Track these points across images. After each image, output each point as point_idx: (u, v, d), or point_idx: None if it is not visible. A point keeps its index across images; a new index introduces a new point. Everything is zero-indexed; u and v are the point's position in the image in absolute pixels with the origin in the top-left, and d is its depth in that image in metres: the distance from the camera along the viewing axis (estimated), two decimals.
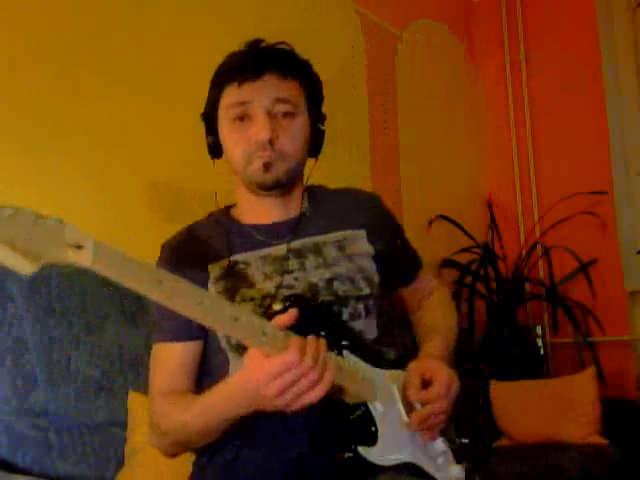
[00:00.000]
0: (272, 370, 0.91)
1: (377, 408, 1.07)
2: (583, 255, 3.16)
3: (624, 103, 3.30)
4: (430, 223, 3.16)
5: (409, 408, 1.12)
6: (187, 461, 1.19)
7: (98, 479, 1.54)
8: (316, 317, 1.08)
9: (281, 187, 1.18)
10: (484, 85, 3.73)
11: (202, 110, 1.23)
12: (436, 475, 1.11)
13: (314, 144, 1.22)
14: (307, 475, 1.08)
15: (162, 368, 1.17)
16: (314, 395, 0.92)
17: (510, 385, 2.66)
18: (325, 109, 1.25)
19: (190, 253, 1.19)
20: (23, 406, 1.49)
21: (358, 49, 2.89)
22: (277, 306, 1.06)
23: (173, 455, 1.15)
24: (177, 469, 1.25)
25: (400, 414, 1.10)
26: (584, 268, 3.17)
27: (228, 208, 1.29)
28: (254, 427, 1.02)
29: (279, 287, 1.14)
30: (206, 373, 1.18)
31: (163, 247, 1.24)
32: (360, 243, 1.22)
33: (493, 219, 3.51)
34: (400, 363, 1.17)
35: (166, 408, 1.11)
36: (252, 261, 1.17)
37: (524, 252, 3.37)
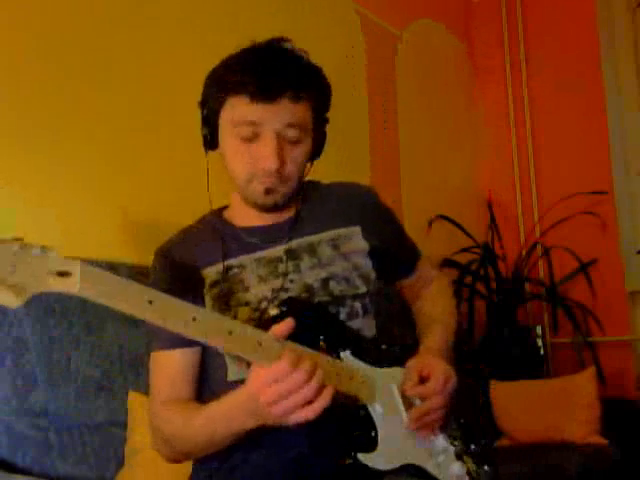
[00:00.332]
0: (266, 378, 0.90)
1: (377, 410, 1.07)
2: (583, 255, 3.16)
3: (624, 103, 3.30)
4: (430, 223, 3.16)
5: (408, 406, 1.12)
6: (187, 462, 1.19)
7: (98, 479, 1.54)
8: (313, 320, 1.08)
9: (279, 208, 1.18)
10: (484, 85, 3.73)
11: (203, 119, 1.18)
12: (437, 474, 1.10)
13: (315, 149, 1.19)
14: (307, 475, 1.08)
15: (162, 376, 1.15)
16: (311, 411, 0.91)
17: (510, 385, 2.66)
18: None
19: (184, 258, 1.18)
20: (23, 406, 1.49)
21: (358, 49, 2.89)
22: (273, 311, 1.05)
23: (175, 461, 1.15)
24: (177, 469, 1.24)
25: (400, 413, 1.10)
26: (584, 268, 3.17)
27: (221, 210, 1.28)
28: (257, 428, 1.01)
29: (274, 290, 1.13)
30: (205, 378, 1.17)
31: (156, 253, 1.22)
32: (355, 240, 1.22)
33: (493, 219, 3.51)
34: (399, 361, 1.17)
35: (168, 416, 1.10)
36: (247, 264, 1.16)
37: (524, 252, 3.37)
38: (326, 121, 1.21)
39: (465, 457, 1.16)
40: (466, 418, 1.22)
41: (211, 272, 1.16)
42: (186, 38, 2.14)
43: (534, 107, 3.55)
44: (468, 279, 3.15)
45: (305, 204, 1.24)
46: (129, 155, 1.95)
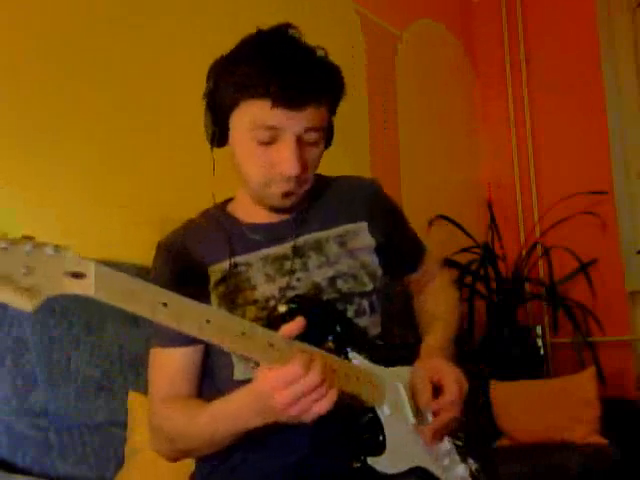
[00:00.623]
0: (280, 380, 0.89)
1: (384, 411, 1.06)
2: (583, 255, 3.16)
3: (624, 103, 3.30)
4: (430, 223, 3.16)
5: (415, 407, 1.11)
6: (187, 461, 1.19)
7: (98, 479, 1.54)
8: (322, 317, 1.07)
9: (294, 209, 1.16)
10: (484, 85, 3.73)
11: (201, 120, 1.14)
12: (443, 477, 1.10)
13: (326, 141, 1.15)
14: (308, 476, 1.08)
15: (161, 374, 1.13)
16: (320, 408, 0.91)
17: (510, 385, 2.66)
18: None
19: (189, 255, 1.15)
20: (23, 406, 1.49)
21: (358, 49, 2.89)
22: (282, 308, 1.04)
23: (174, 460, 1.14)
24: (177, 469, 1.24)
25: (406, 414, 1.10)
26: (584, 268, 3.17)
27: (225, 204, 1.25)
28: (260, 428, 1.01)
29: (282, 289, 1.12)
30: (209, 375, 1.16)
31: (159, 246, 1.19)
32: (362, 236, 1.21)
33: (493, 219, 3.51)
34: (405, 359, 1.16)
35: (168, 413, 1.09)
36: (253, 262, 1.14)
37: (524, 252, 3.37)
38: (335, 113, 1.17)
39: (468, 458, 1.16)
40: (467, 418, 1.22)
41: (217, 269, 1.13)
42: (186, 38, 2.14)
43: (534, 107, 3.55)
44: (468, 279, 3.14)
45: (311, 200, 1.21)
46: (129, 155, 1.95)
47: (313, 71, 1.05)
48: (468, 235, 3.25)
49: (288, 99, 1.01)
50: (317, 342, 0.99)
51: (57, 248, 0.72)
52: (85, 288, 0.74)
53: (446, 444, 1.13)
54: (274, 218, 1.18)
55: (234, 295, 1.11)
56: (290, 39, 1.08)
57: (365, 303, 1.17)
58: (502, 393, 2.62)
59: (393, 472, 1.03)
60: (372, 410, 1.06)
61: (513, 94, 3.63)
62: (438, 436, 1.10)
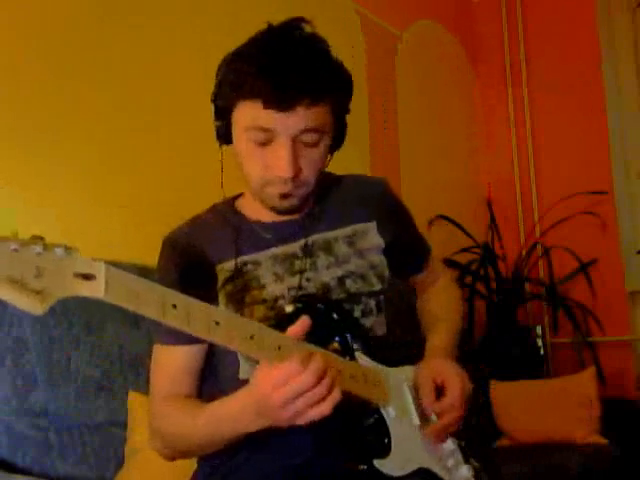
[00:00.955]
0: (276, 380, 0.88)
1: (390, 413, 1.05)
2: (583, 255, 3.16)
3: (624, 103, 3.30)
4: (430, 223, 3.15)
5: (420, 407, 1.11)
6: (187, 461, 1.19)
7: (98, 479, 1.54)
8: (328, 317, 1.07)
9: (295, 211, 1.14)
10: (484, 85, 3.73)
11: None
12: (447, 478, 1.09)
13: (336, 141, 1.13)
14: (311, 478, 1.07)
15: (163, 372, 1.13)
16: (320, 410, 0.89)
17: (510, 385, 2.66)
18: None
19: (195, 252, 1.13)
20: (23, 406, 1.49)
21: (358, 49, 2.89)
22: (289, 308, 1.04)
23: (173, 459, 1.13)
24: (177, 469, 1.24)
25: (411, 414, 1.10)
26: (584, 268, 3.17)
27: (233, 199, 1.23)
28: (260, 432, 1.00)
29: (291, 289, 1.11)
30: (213, 373, 1.15)
31: (165, 242, 1.18)
32: (370, 236, 1.20)
33: (493, 219, 3.51)
34: (409, 359, 1.16)
35: (168, 412, 1.09)
36: (262, 261, 1.13)
37: (524, 252, 3.37)
38: (347, 111, 1.15)
39: (470, 459, 1.16)
40: (471, 419, 1.21)
41: (225, 267, 1.12)
42: (186, 38, 2.14)
43: (534, 107, 3.55)
44: (468, 279, 3.14)
45: (319, 199, 1.20)
46: (129, 155, 1.95)
47: (307, 71, 1.01)
48: (468, 235, 3.25)
49: (279, 100, 0.99)
50: (323, 342, 0.98)
51: (67, 249, 0.71)
52: (95, 290, 0.73)
53: (450, 445, 1.13)
54: (283, 217, 1.16)
55: (242, 294, 1.10)
56: (294, 37, 1.05)
57: (372, 303, 1.17)
58: (502, 393, 2.62)
59: (398, 474, 1.02)
60: (377, 411, 1.05)
61: (513, 94, 3.63)
62: (440, 437, 1.10)
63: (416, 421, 1.09)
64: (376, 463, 1.01)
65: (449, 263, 3.15)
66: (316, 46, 1.06)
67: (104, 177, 1.89)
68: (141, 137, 1.98)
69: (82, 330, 1.60)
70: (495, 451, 2.37)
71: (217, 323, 0.84)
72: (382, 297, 1.19)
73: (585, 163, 3.32)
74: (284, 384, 0.88)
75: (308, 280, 1.13)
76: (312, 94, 1.01)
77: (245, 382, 1.01)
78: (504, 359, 2.94)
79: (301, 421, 0.90)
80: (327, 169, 1.20)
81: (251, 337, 0.86)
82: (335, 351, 1.02)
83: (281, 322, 0.95)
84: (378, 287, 1.18)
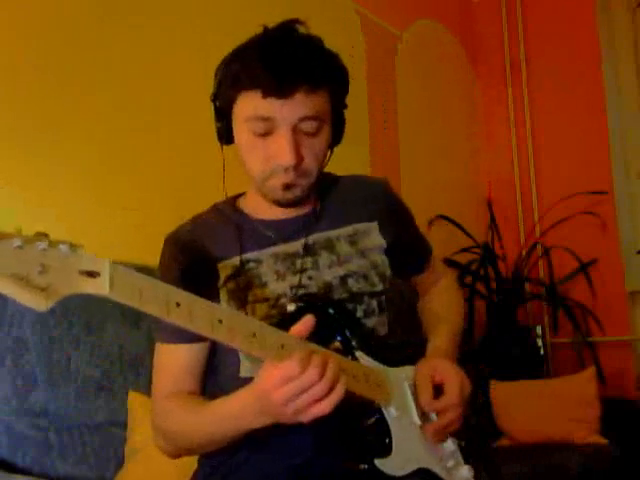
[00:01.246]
0: (278, 378, 0.88)
1: (391, 413, 1.05)
2: (583, 255, 3.16)
3: (624, 103, 3.30)
4: (430, 223, 3.16)
5: (420, 407, 1.11)
6: (187, 461, 1.19)
7: (98, 479, 1.54)
8: (331, 317, 1.07)
9: (298, 203, 1.14)
10: (484, 85, 3.73)
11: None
12: (448, 479, 1.09)
13: (335, 136, 1.14)
14: (311, 478, 1.07)
15: (165, 370, 1.13)
16: (322, 408, 0.89)
17: (510, 385, 2.66)
18: None
19: (197, 251, 1.14)
20: (23, 406, 1.49)
21: (358, 49, 2.89)
22: (291, 307, 1.04)
23: (176, 457, 1.13)
24: (177, 469, 1.24)
25: (412, 415, 1.10)
26: (584, 268, 3.17)
27: (234, 198, 1.23)
28: (261, 431, 1.01)
29: (292, 287, 1.11)
30: (214, 371, 1.15)
31: (167, 241, 1.18)
32: (372, 236, 1.20)
33: (493, 219, 3.51)
34: (410, 359, 1.16)
35: (170, 410, 1.09)
36: (264, 259, 1.13)
37: (524, 252, 3.37)
38: (344, 107, 1.16)
39: (470, 459, 1.16)
40: (471, 419, 1.21)
41: (227, 265, 1.12)
42: (186, 38, 2.14)
43: (534, 107, 3.55)
44: (468, 279, 3.14)
45: (321, 198, 1.21)
46: (129, 155, 1.95)
47: (303, 57, 1.03)
48: (468, 235, 3.25)
49: (277, 87, 1.01)
50: (325, 341, 0.98)
51: (72, 246, 0.71)
52: (100, 287, 0.73)
53: (450, 445, 1.13)
54: (285, 215, 1.16)
55: (244, 292, 1.10)
56: (287, 32, 1.08)
57: (374, 303, 1.17)
58: (502, 393, 2.62)
59: (399, 474, 1.02)
60: (379, 411, 1.05)
61: (513, 94, 3.63)
62: (439, 437, 1.10)
63: (417, 421, 1.09)
64: (377, 462, 1.01)
65: (449, 263, 3.15)
66: (311, 39, 1.09)
67: (104, 177, 1.89)
68: (141, 137, 1.98)
69: (82, 330, 1.60)
70: (495, 451, 2.37)
71: (220, 321, 0.84)
72: (384, 297, 1.19)
73: (585, 163, 3.32)
74: (284, 383, 0.88)
75: (310, 279, 1.13)
76: (310, 81, 1.03)
77: (246, 380, 1.02)
78: (504, 359, 2.94)
79: (304, 418, 0.90)
80: (328, 170, 1.21)
81: (253, 335, 0.86)
82: (337, 350, 1.02)
83: (283, 321, 0.95)
84: (380, 287, 1.18)
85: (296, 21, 1.10)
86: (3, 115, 1.68)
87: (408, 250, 1.29)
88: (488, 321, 3.16)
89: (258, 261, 1.13)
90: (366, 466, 1.01)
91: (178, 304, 0.80)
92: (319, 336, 0.95)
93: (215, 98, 1.11)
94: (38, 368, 1.52)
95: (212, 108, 1.13)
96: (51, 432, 1.52)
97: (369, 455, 1.01)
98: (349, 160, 2.61)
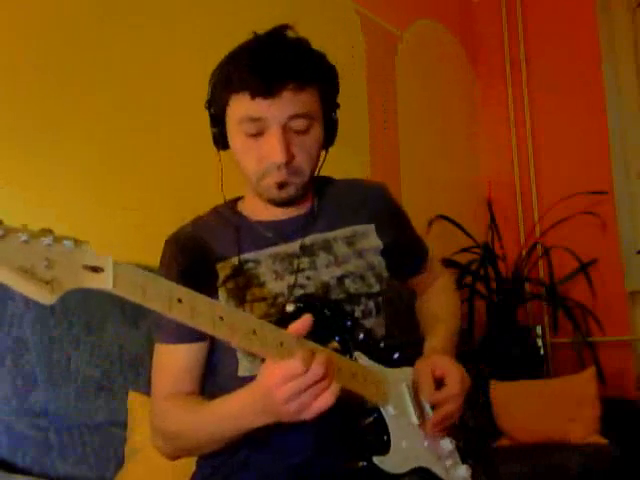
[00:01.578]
0: (281, 376, 0.89)
1: (389, 412, 1.06)
2: (583, 255, 3.16)
3: (624, 103, 3.30)
4: (430, 223, 3.16)
5: (418, 407, 1.11)
6: (187, 461, 1.19)
7: (98, 479, 1.54)
8: (329, 317, 1.07)
9: (294, 202, 1.16)
10: (484, 85, 3.73)
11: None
12: (445, 478, 1.10)
13: (328, 136, 1.16)
14: (311, 477, 1.07)
15: (165, 371, 1.14)
16: (323, 403, 0.90)
17: (510, 385, 2.66)
18: None
19: (197, 251, 1.15)
20: (23, 406, 1.49)
21: (358, 49, 2.89)
22: (290, 307, 1.05)
23: (175, 458, 1.14)
24: (177, 469, 1.24)
25: (410, 415, 1.10)
26: (584, 268, 3.17)
27: (234, 202, 1.25)
28: (261, 431, 1.01)
29: (291, 286, 1.12)
30: (213, 371, 1.16)
31: (167, 242, 1.20)
32: (369, 238, 1.21)
33: (493, 219, 3.51)
34: (408, 360, 1.17)
35: (169, 410, 1.09)
36: (262, 259, 1.14)
37: (524, 252, 3.37)
38: (336, 106, 1.18)
39: (468, 459, 1.16)
40: (469, 419, 1.22)
41: (226, 265, 1.14)
42: (186, 38, 2.14)
43: (534, 107, 3.55)
44: (468, 279, 3.14)
45: (319, 200, 1.23)
46: (129, 155, 1.95)
47: (289, 56, 1.07)
48: (468, 235, 3.25)
49: (265, 88, 1.04)
50: (323, 341, 0.99)
51: (77, 242, 0.72)
52: (103, 282, 0.74)
53: (448, 444, 1.13)
54: (283, 216, 1.18)
55: (243, 292, 1.11)
56: (275, 36, 1.11)
57: (371, 304, 1.18)
58: (502, 393, 2.62)
59: (397, 472, 1.03)
60: (377, 410, 1.06)
61: (513, 94, 3.63)
62: (439, 428, 1.10)
63: (415, 420, 1.10)
64: (375, 460, 1.01)
65: (449, 263, 3.15)
66: (298, 40, 1.12)
67: (104, 177, 1.89)
68: (141, 137, 1.98)
69: (82, 330, 1.60)
70: (495, 451, 2.37)
71: (221, 318, 0.84)
72: (381, 298, 1.21)
73: (585, 163, 3.32)
74: (287, 381, 0.88)
75: (308, 278, 1.14)
76: (296, 79, 1.05)
77: (244, 380, 1.03)
78: (504, 359, 2.94)
79: (306, 415, 0.91)
80: (329, 171, 1.22)
81: (254, 332, 0.87)
82: (335, 350, 1.02)
83: (282, 321, 0.95)
84: (377, 288, 1.19)
85: (285, 26, 1.13)
86: (3, 115, 1.68)
87: (405, 251, 1.30)
88: (488, 321, 3.16)
89: (256, 261, 1.14)
90: (364, 463, 1.01)
91: (180, 300, 0.80)
92: (318, 336, 0.95)
93: (210, 105, 1.15)
94: (38, 368, 1.52)
95: (208, 115, 1.15)
96: (51, 432, 1.52)
97: (367, 453, 1.02)
98: (349, 160, 2.62)
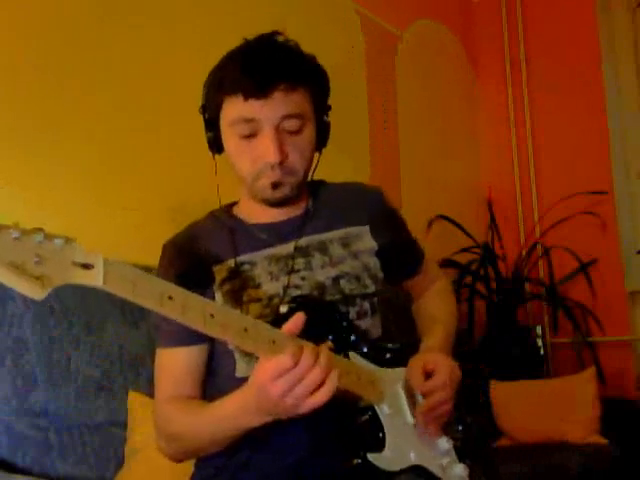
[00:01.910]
0: (272, 371, 0.90)
1: (384, 410, 1.07)
2: (583, 255, 3.16)
3: (624, 103, 3.30)
4: (430, 223, 3.16)
5: (414, 406, 1.12)
6: (188, 461, 1.19)
7: (98, 479, 1.54)
8: (323, 318, 1.08)
9: (288, 202, 1.17)
10: (484, 85, 3.73)
11: (201, 121, 1.18)
12: (442, 476, 1.10)
13: (320, 138, 1.18)
14: (307, 476, 1.08)
15: (166, 374, 1.15)
16: (319, 397, 0.91)
17: (510, 385, 2.66)
18: None
19: (194, 255, 1.17)
20: (23, 406, 1.49)
21: (358, 49, 2.89)
22: (283, 308, 1.06)
23: (179, 461, 1.15)
24: (177, 469, 1.24)
25: (405, 414, 1.10)
26: (584, 268, 3.17)
27: (230, 206, 1.27)
28: (261, 432, 1.01)
29: (286, 287, 1.13)
30: (212, 373, 1.17)
31: (165, 247, 1.22)
32: (364, 239, 1.22)
33: (493, 219, 3.51)
34: (404, 361, 1.17)
35: (171, 413, 1.10)
36: (258, 261, 1.16)
37: (524, 252, 3.37)
38: (328, 108, 1.20)
39: (465, 458, 1.16)
40: (466, 418, 1.22)
41: (222, 268, 1.15)
42: (186, 38, 2.14)
43: (534, 107, 3.55)
44: (468, 279, 3.14)
45: (314, 201, 1.24)
46: (129, 155, 1.95)
47: (279, 58, 1.10)
48: (468, 235, 3.25)
49: (257, 89, 1.06)
50: (318, 342, 0.99)
51: (67, 240, 0.73)
52: (93, 279, 0.75)
53: (445, 444, 1.14)
54: (278, 217, 1.20)
55: (239, 293, 1.13)
56: (266, 40, 1.13)
57: (367, 305, 1.19)
58: (502, 393, 2.62)
59: (393, 469, 1.03)
60: (371, 409, 1.06)
61: (513, 94, 3.63)
62: (430, 418, 1.10)
63: (410, 420, 1.10)
64: (370, 457, 1.02)
65: (449, 263, 3.15)
66: (288, 43, 1.15)
67: (104, 177, 1.89)
68: (141, 137, 1.98)
69: (82, 330, 1.60)
70: (495, 451, 2.37)
71: (212, 315, 0.85)
72: (376, 299, 1.21)
73: (585, 163, 3.32)
74: (280, 376, 0.89)
75: (303, 279, 1.15)
76: (288, 79, 1.08)
77: (242, 381, 1.03)
78: (504, 359, 2.93)
79: (303, 409, 0.91)
80: (329, 172, 1.23)
81: (245, 330, 0.88)
82: (329, 350, 1.02)
83: (276, 321, 0.96)
84: (372, 289, 1.20)
85: (275, 32, 1.15)
86: (3, 115, 1.68)
87: (400, 253, 1.31)
88: (488, 321, 3.16)
89: (252, 263, 1.16)
90: (359, 461, 1.01)
91: (171, 297, 0.82)
92: (312, 336, 0.96)
93: (204, 110, 1.17)
94: (38, 368, 1.52)
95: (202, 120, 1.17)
96: (51, 432, 1.52)
97: (362, 450, 1.02)
98: (349, 160, 2.62)
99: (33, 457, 1.47)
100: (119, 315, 1.68)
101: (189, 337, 1.11)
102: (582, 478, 2.12)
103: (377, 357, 1.12)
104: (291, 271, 1.15)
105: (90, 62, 1.89)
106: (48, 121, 1.78)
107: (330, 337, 1.07)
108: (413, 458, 1.07)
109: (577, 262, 3.16)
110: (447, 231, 3.22)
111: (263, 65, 1.08)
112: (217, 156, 1.20)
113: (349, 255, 1.19)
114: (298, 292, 1.13)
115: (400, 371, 1.15)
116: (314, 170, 1.21)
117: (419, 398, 1.14)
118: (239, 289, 1.13)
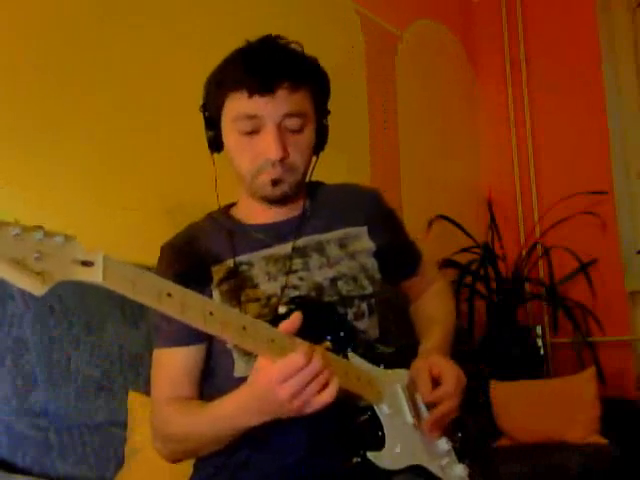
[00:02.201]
0: (281, 373, 0.90)
1: (383, 410, 1.07)
2: (583, 255, 3.16)
3: (624, 103, 3.30)
4: (430, 223, 3.16)
5: (414, 407, 1.12)
6: (187, 462, 1.19)
7: (98, 479, 1.54)
8: (321, 319, 1.08)
9: (288, 200, 1.18)
10: (484, 85, 3.73)
11: (201, 121, 1.19)
12: (442, 476, 1.10)
13: (318, 141, 1.19)
14: (307, 476, 1.08)
15: (164, 374, 1.15)
16: (325, 397, 0.91)
17: (510, 385, 2.66)
18: None
19: (192, 255, 1.18)
20: (23, 406, 1.49)
21: (358, 49, 2.89)
22: (282, 309, 1.06)
23: (175, 461, 1.15)
24: (177, 469, 1.24)
25: (405, 414, 1.11)
26: (584, 268, 3.17)
27: (227, 208, 1.28)
28: (260, 431, 1.02)
29: (284, 287, 1.13)
30: (210, 373, 1.17)
31: (163, 248, 1.22)
32: (362, 240, 1.23)
33: (493, 219, 3.51)
34: (403, 362, 1.17)
35: (168, 414, 1.10)
36: (255, 262, 1.16)
37: (524, 252, 3.37)
38: (327, 112, 1.21)
39: (465, 459, 1.17)
40: (466, 419, 1.22)
41: (220, 269, 1.15)
42: (186, 38, 2.14)
43: (534, 107, 3.54)
44: (468, 279, 3.14)
45: (312, 202, 1.25)
46: (129, 155, 1.95)
47: (283, 58, 1.12)
48: (468, 235, 3.25)
49: (261, 86, 1.07)
50: (316, 342, 0.99)
51: (67, 237, 0.74)
52: (93, 275, 0.75)
53: (445, 444, 1.14)
54: (276, 218, 1.20)
55: (237, 293, 1.13)
56: (268, 40, 1.15)
57: (364, 306, 1.19)
58: (502, 393, 2.62)
59: (392, 468, 1.04)
60: (371, 408, 1.07)
61: (513, 94, 3.62)
62: (437, 427, 1.11)
63: (410, 420, 1.10)
64: (370, 455, 1.02)
65: (449, 263, 3.15)
66: (291, 44, 1.16)
67: (104, 177, 1.89)
68: (141, 137, 1.98)
69: (82, 330, 1.60)
70: (495, 451, 2.37)
71: (211, 313, 0.86)
72: (374, 300, 1.21)
73: (585, 163, 3.32)
74: (290, 377, 0.89)
75: (301, 279, 1.15)
76: (291, 78, 1.09)
77: (240, 380, 1.04)
78: (504, 359, 2.93)
79: (308, 410, 0.92)
80: (328, 175, 1.23)
81: (244, 328, 0.88)
82: (327, 350, 1.03)
83: (275, 321, 0.96)
84: (369, 290, 1.20)
85: (277, 36, 1.17)
86: (3, 115, 1.68)
87: (398, 254, 1.31)
88: (488, 321, 3.16)
89: (250, 263, 1.16)
90: (359, 459, 1.01)
91: (170, 294, 0.82)
92: (310, 336, 0.96)
93: (205, 108, 1.18)
94: (38, 368, 1.52)
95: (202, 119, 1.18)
96: (51, 432, 1.52)
97: (362, 448, 1.02)
98: (349, 160, 2.62)
99: (33, 457, 1.47)
100: (119, 315, 1.68)
101: (187, 337, 1.11)
102: (582, 478, 2.12)
103: (375, 358, 1.13)
104: (289, 271, 1.15)
105: (90, 62, 1.89)
106: (48, 121, 1.78)
107: (328, 338, 1.08)
108: (413, 458, 1.07)
109: (577, 262, 3.16)
110: (447, 231, 3.22)
111: (267, 63, 1.10)
112: (216, 156, 1.20)
113: (346, 256, 1.19)
114: (296, 293, 1.14)
115: (399, 372, 1.15)
116: (311, 173, 1.22)
117: (420, 401, 1.14)
118: (237, 289, 1.13)
